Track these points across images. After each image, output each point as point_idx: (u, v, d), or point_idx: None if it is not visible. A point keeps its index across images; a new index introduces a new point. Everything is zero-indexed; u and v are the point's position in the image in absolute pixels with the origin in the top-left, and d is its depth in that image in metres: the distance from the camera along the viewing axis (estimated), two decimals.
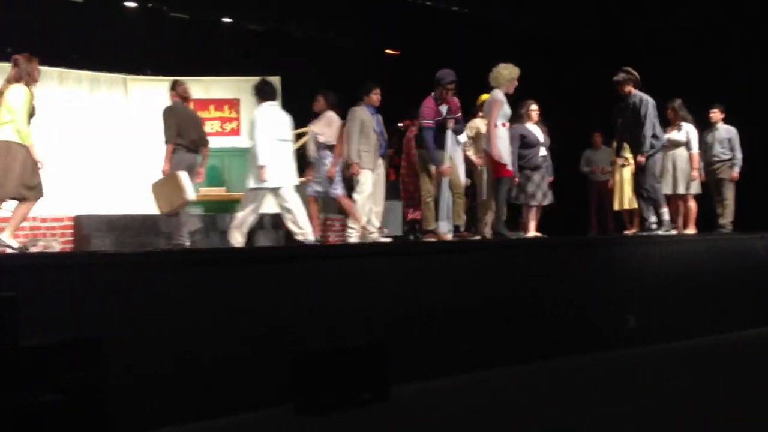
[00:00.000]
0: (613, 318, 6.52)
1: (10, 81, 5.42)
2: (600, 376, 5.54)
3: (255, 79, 7.43)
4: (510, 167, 6.94)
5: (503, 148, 6.87)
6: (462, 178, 7.23)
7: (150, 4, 9.80)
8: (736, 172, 8.24)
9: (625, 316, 6.57)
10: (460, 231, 7.27)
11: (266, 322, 4.66)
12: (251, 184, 6.40)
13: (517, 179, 7.21)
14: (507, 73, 6.90)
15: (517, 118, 7.37)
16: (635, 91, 7.22)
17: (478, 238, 7.21)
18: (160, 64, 10.12)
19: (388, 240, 7.29)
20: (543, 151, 7.45)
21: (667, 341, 6.67)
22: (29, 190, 5.32)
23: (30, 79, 5.47)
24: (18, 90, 5.36)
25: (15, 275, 3.89)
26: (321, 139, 7.06)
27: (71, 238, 7.38)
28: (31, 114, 5.53)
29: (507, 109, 6.95)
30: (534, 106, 7.49)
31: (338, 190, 7.09)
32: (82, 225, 7.33)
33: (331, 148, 7.09)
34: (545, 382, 5.36)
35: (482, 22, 10.78)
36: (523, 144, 7.30)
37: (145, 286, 4.31)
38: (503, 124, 6.93)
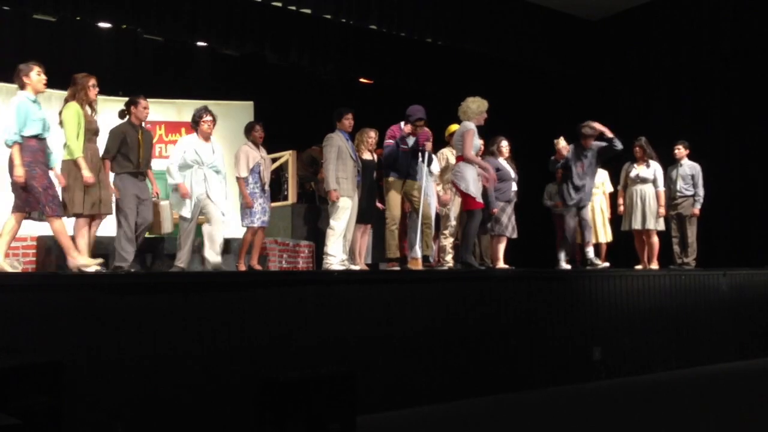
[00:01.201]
0: (579, 350, 6.57)
1: (67, 99, 5.58)
2: (566, 409, 5.56)
3: (230, 104, 7.38)
4: (479, 199, 7.00)
5: (471, 181, 6.94)
6: (433, 209, 7.28)
7: (124, 26, 9.75)
8: (697, 208, 8.41)
9: (591, 348, 6.63)
10: (429, 261, 7.29)
11: (232, 349, 4.61)
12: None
13: (496, 210, 7.28)
14: (475, 106, 6.98)
15: (488, 153, 7.50)
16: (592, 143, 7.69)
17: (446, 268, 7.24)
18: (133, 86, 10.05)
19: (358, 268, 7.27)
20: (515, 186, 7.57)
21: (633, 374, 6.74)
22: (92, 206, 5.47)
23: (84, 97, 5.61)
24: (69, 108, 5.51)
25: None
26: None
27: (34, 259, 7.23)
28: (95, 132, 5.69)
29: (477, 142, 7.02)
30: (504, 142, 7.62)
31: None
32: (45, 245, 7.19)
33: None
34: (512, 413, 5.36)
35: (455, 53, 10.94)
36: (497, 177, 7.39)
37: (108, 309, 4.25)
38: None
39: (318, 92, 11.09)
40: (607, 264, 7.76)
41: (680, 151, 8.55)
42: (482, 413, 5.34)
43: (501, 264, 7.41)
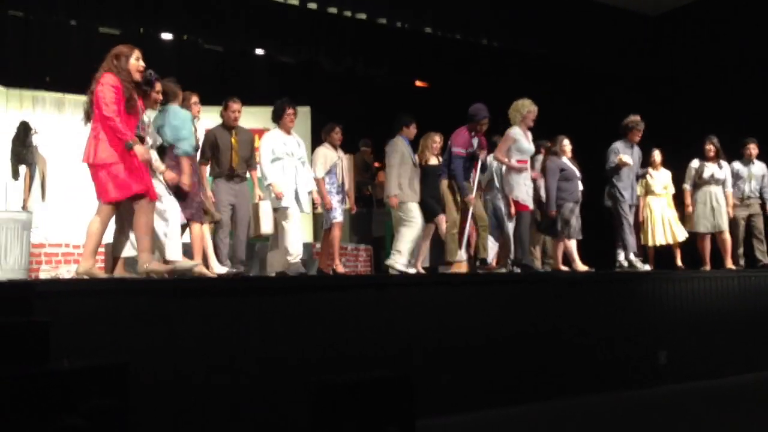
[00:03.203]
0: (644, 355, 6.41)
1: None
2: (630, 414, 5.43)
3: None
4: (523, 202, 6.90)
5: (515, 185, 6.86)
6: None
7: (185, 37, 10.00)
8: None
9: (656, 352, 6.46)
10: (487, 264, 7.22)
11: (291, 352, 4.67)
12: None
13: (553, 212, 7.22)
14: (516, 111, 6.94)
15: (551, 153, 7.44)
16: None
17: (504, 271, 7.16)
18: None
19: (414, 271, 7.25)
20: (581, 185, 7.46)
21: (700, 379, 6.54)
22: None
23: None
24: None
25: (48, 301, 3.96)
26: None
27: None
28: (194, 147, 5.85)
29: (524, 145, 6.90)
30: (566, 141, 7.53)
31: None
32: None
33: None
34: (574, 418, 5.27)
35: (511, 54, 10.84)
36: (562, 177, 7.31)
37: (173, 313, 4.35)
38: (518, 161, 6.92)
39: (373, 97, 11.13)
40: (648, 267, 7.58)
41: (751, 149, 8.26)
42: (543, 418, 5.26)
43: (581, 265, 7.29)
